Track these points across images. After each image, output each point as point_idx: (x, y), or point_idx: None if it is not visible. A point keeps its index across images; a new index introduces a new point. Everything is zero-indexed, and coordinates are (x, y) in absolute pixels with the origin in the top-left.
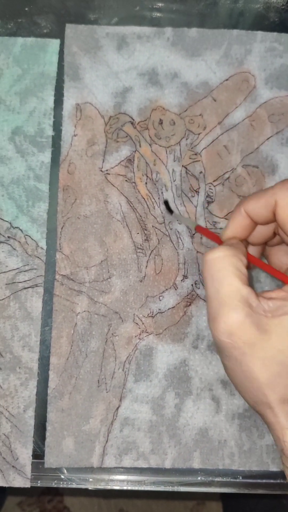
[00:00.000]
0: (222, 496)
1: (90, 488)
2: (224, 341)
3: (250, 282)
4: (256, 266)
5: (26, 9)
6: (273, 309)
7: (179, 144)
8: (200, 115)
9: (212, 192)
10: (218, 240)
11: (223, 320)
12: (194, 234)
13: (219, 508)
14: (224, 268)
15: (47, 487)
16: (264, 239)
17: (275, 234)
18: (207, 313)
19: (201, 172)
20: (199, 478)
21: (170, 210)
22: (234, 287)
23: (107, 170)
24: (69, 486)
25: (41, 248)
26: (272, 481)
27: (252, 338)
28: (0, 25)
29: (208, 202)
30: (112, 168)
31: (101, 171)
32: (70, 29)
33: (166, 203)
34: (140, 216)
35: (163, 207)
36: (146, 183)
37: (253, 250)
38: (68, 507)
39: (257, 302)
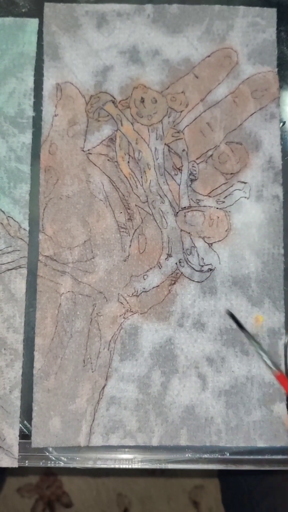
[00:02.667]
0: (220, 478)
1: (77, 466)
2: None
3: None
4: None
5: None
6: None
7: (161, 122)
8: (182, 92)
9: (195, 170)
10: None
11: None
12: (178, 212)
13: (217, 490)
14: None
15: (46, 472)
16: None
17: None
18: None
19: (184, 150)
20: (186, 455)
21: (241, 327)
22: None
23: (88, 150)
24: (57, 465)
25: (24, 229)
26: (259, 457)
27: None
28: None
29: (192, 180)
30: (94, 147)
31: (83, 151)
32: (49, 8)
33: (232, 316)
34: (123, 195)
35: (146, 186)
36: (128, 162)
37: None
38: (67, 492)
39: None
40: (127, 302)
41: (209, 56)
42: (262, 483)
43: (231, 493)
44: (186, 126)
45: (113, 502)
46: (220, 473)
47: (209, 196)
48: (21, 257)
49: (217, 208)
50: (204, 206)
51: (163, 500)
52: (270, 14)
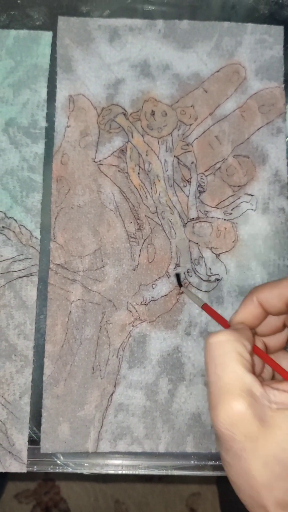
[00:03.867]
0: (219, 484)
1: (85, 472)
2: (224, 432)
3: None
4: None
5: (19, 1)
6: (279, 400)
7: (171, 135)
8: (191, 106)
9: (203, 182)
10: (225, 323)
11: (224, 410)
12: (186, 223)
13: (215, 498)
14: (227, 354)
15: (44, 478)
16: (273, 330)
17: (284, 326)
18: (208, 399)
19: (192, 162)
20: (192, 462)
21: (180, 284)
22: (236, 374)
23: (100, 160)
24: (65, 471)
25: (35, 237)
26: None
27: (254, 432)
28: None
29: (200, 192)
30: (105, 158)
31: (94, 161)
32: (63, 22)
33: (177, 276)
34: (133, 205)
35: (155, 197)
36: (138, 173)
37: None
38: (65, 498)
39: (262, 391)
40: (136, 311)
41: (218, 71)
42: None
43: (229, 500)
44: (195, 139)
45: (110, 508)
46: (218, 480)
47: (217, 208)
48: (32, 265)
49: (224, 220)
50: (212, 217)
51: (160, 507)
52: (278, 31)
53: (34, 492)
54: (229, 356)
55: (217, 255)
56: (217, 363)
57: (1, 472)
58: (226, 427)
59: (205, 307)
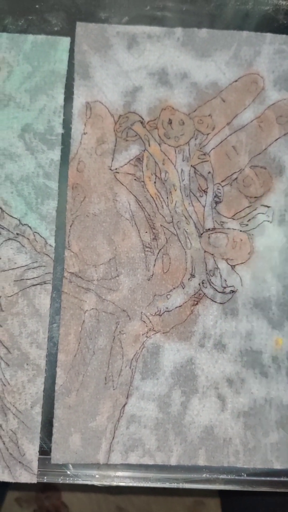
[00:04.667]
0: (221, 495)
1: (96, 484)
2: None
3: None
4: None
5: (37, 6)
6: None
7: (188, 144)
8: (209, 115)
9: (220, 192)
10: None
11: None
12: (202, 234)
13: (218, 506)
14: None
15: (46, 484)
16: None
17: None
18: None
19: (209, 172)
20: (204, 475)
21: None
22: None
23: (116, 168)
24: (75, 482)
25: (50, 245)
26: (275, 479)
27: None
28: (11, 22)
29: (216, 202)
30: (121, 166)
31: (110, 169)
32: (81, 27)
33: None
34: (149, 215)
35: (171, 206)
36: (155, 182)
37: None
38: (66, 504)
39: None
40: (150, 321)
41: (236, 81)
42: (265, 501)
43: (232, 510)
44: (212, 149)
45: None
46: (221, 491)
47: (233, 219)
48: (46, 273)
49: (240, 231)
50: (228, 228)
51: None
52: None
53: (36, 496)
54: None
55: (233, 267)
56: None
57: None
58: None
59: None
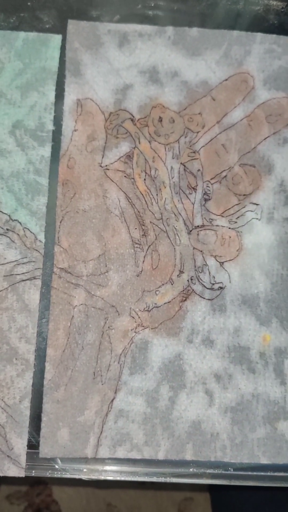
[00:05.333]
0: (211, 491)
1: (84, 478)
2: None
3: None
4: None
5: (29, 3)
6: None
7: (178, 142)
8: (199, 113)
9: (209, 190)
10: None
11: None
12: (191, 230)
13: (207, 503)
14: None
15: (36, 480)
16: None
17: None
18: None
19: (199, 170)
20: (191, 469)
21: None
22: None
23: (106, 165)
24: (63, 476)
25: (40, 241)
26: (262, 473)
27: None
28: (2, 19)
29: (205, 200)
30: (112, 163)
31: (101, 166)
32: (72, 25)
33: None
34: (138, 211)
35: (161, 203)
36: (144, 179)
37: None
38: (57, 500)
39: None
40: (139, 317)
41: (226, 79)
42: (254, 497)
43: (222, 507)
44: (202, 147)
45: (102, 511)
46: (211, 487)
47: (222, 216)
48: (36, 268)
49: (229, 228)
50: (217, 225)
51: (152, 511)
52: (286, 42)
53: (26, 493)
54: None
55: (221, 263)
56: None
57: None
58: None
59: None
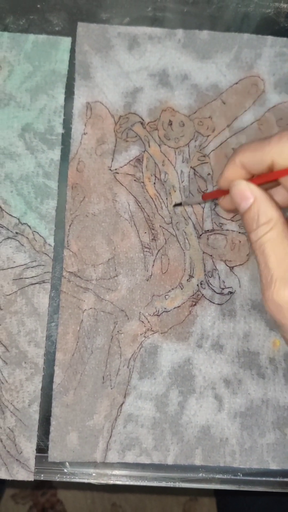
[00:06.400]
0: (216, 493)
1: (92, 482)
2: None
3: None
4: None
5: (38, 6)
6: None
7: (188, 146)
8: (209, 117)
9: None
10: (222, 192)
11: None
12: (201, 235)
13: (212, 503)
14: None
15: (42, 481)
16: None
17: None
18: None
19: (209, 174)
20: (200, 474)
21: (179, 204)
22: None
23: (116, 169)
24: (72, 480)
25: (49, 244)
26: (271, 479)
27: None
28: (12, 22)
29: (215, 204)
30: (121, 167)
31: (110, 170)
32: (82, 28)
33: (177, 204)
34: (148, 215)
35: (170, 207)
36: (154, 183)
37: None
38: (62, 500)
39: None
40: (148, 321)
41: (236, 83)
42: (260, 501)
43: (227, 506)
44: (212, 151)
45: (107, 511)
46: (216, 491)
47: (232, 221)
48: (45, 272)
49: (239, 233)
50: (227, 230)
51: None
52: None
53: (31, 493)
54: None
55: (231, 268)
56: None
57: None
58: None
59: (205, 196)
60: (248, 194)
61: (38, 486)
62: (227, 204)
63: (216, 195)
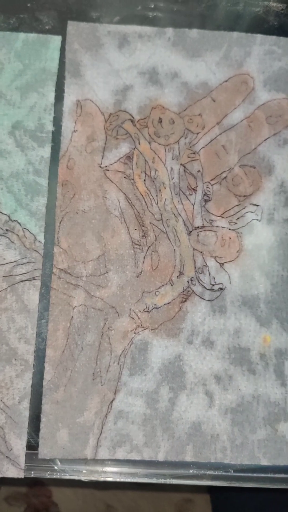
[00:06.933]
0: (211, 493)
1: (83, 479)
2: None
3: None
4: None
5: (28, 4)
6: None
7: (178, 143)
8: (199, 115)
9: (209, 191)
10: None
11: None
12: (191, 231)
13: (206, 504)
14: None
15: (35, 482)
16: None
17: None
18: None
19: (199, 171)
20: (191, 471)
21: None
22: None
23: (106, 166)
24: (62, 477)
25: (39, 241)
26: (263, 475)
27: None
28: (2, 20)
29: (206, 201)
30: (111, 164)
31: (100, 167)
32: (72, 26)
33: None
34: (138, 212)
35: (161, 204)
36: (144, 180)
37: None
38: (56, 502)
39: None
40: (139, 318)
41: (226, 81)
42: (254, 498)
43: (223, 508)
44: (202, 148)
45: None
46: (211, 488)
47: (222, 217)
48: (35, 269)
49: (229, 229)
50: (217, 226)
51: None
52: (286, 43)
53: (25, 495)
54: None
55: (221, 264)
56: None
57: None
58: None
59: None
60: None
61: (32, 486)
62: None
63: None
